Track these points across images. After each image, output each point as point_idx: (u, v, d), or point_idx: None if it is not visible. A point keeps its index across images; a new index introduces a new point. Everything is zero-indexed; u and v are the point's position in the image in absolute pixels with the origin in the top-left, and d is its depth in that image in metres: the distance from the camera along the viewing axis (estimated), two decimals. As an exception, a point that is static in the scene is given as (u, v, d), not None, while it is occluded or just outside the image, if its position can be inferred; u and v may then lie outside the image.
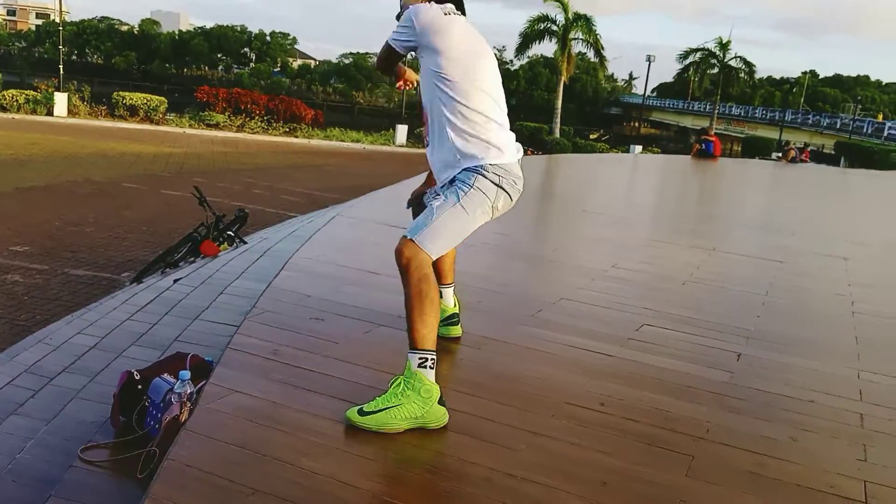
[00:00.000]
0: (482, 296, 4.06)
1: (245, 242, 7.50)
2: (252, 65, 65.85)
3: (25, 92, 24.33)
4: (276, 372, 2.97)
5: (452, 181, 2.54)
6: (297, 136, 26.24)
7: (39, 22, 78.62)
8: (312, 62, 76.87)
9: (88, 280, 7.42)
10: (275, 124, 26.44)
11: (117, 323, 4.68)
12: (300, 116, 27.36)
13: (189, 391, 2.60)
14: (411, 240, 2.45)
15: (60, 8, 27.94)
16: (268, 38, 66.27)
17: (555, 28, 34.22)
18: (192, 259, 7.03)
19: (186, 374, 2.64)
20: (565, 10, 33.32)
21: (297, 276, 4.43)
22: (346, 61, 68.99)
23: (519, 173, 2.59)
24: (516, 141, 2.67)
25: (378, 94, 61.93)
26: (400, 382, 2.42)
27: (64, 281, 7.30)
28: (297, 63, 71.76)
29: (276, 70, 66.26)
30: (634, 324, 3.75)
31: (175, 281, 5.63)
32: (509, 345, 3.37)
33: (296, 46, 71.26)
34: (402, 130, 27.93)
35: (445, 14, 2.52)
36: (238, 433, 2.41)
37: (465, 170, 2.51)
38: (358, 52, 69.71)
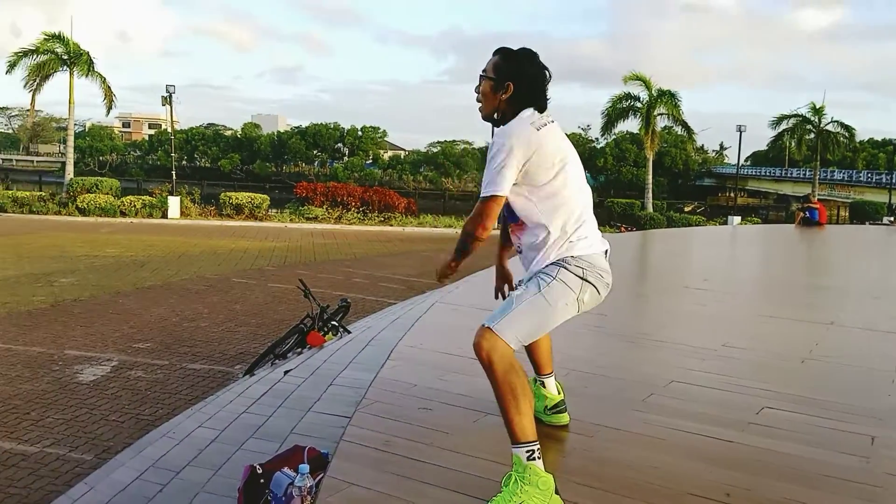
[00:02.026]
0: (588, 381, 4.00)
1: (349, 332, 7.70)
2: (346, 159, 68.94)
3: (142, 197, 26.31)
4: (389, 464, 3.00)
5: (536, 273, 2.55)
6: (391, 225, 27.05)
7: (152, 132, 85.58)
8: (402, 152, 79.75)
9: (205, 373, 7.76)
10: (370, 214, 27.39)
11: (234, 416, 4.86)
12: (394, 206, 28.25)
13: (309, 485, 2.67)
14: (489, 328, 2.43)
15: (171, 118, 30.38)
16: (359, 132, 69.46)
17: (638, 105, 34.34)
18: (300, 350, 7.26)
19: (306, 467, 2.72)
20: (648, 87, 33.43)
21: (403, 364, 4.50)
22: (435, 149, 71.26)
23: (606, 266, 2.57)
24: (604, 226, 2.68)
25: (467, 178, 63.34)
26: (514, 479, 2.37)
27: (182, 375, 7.67)
28: (387, 154, 74.63)
29: (368, 162, 69.08)
30: (753, 406, 3.59)
31: (285, 373, 5.83)
32: (622, 431, 3.29)
33: (385, 139, 74.30)
34: (492, 213, 28.45)
35: (538, 129, 2.50)
36: (358, 527, 2.44)
37: (549, 264, 2.52)
38: (445, 140, 72.06)
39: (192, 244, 19.36)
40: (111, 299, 11.56)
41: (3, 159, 74.20)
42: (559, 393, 3.27)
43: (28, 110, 79.02)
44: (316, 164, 70.67)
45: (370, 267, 16.39)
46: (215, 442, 4.40)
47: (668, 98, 33.46)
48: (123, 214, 24.85)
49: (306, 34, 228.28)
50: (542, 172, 2.50)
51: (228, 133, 74.73)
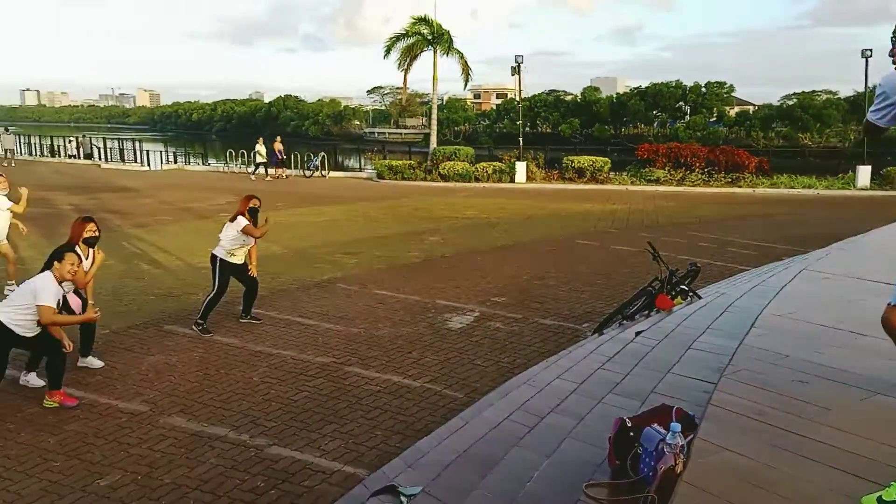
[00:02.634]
0: None
1: (699, 297, 7.47)
2: (687, 118, 65.80)
3: (492, 163, 28.25)
4: (763, 433, 2.90)
5: None
6: (740, 186, 25.28)
7: (499, 101, 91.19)
8: (750, 108, 73.50)
9: (555, 329, 8.19)
10: (716, 175, 25.90)
11: (591, 371, 5.07)
12: (743, 165, 26.33)
13: (680, 443, 2.70)
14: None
15: (519, 88, 31.90)
16: (703, 89, 65.64)
17: None
18: (647, 312, 7.26)
19: (677, 426, 2.75)
20: None
21: (770, 333, 4.26)
22: (790, 102, 64.32)
23: None
24: None
25: (829, 134, 56.19)
26: None
27: (535, 329, 8.20)
28: (733, 111, 69.42)
29: (711, 120, 65.08)
30: None
31: (637, 334, 5.89)
32: None
33: (732, 94, 69.10)
34: (863, 172, 24.81)
35: None
36: (734, 492, 2.41)
37: None
38: (802, 92, 64.53)
39: (537, 207, 20.34)
40: (470, 257, 12.73)
41: (377, 132, 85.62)
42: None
43: (398, 88, 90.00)
44: (655, 124, 68.73)
45: (717, 230, 15.57)
46: (575, 394, 4.65)
47: None
48: (477, 180, 27.00)
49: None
50: None
51: (568, 98, 76.26)
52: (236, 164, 32.59)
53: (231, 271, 8.09)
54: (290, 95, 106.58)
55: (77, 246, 6.70)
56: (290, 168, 30.48)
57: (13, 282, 9.19)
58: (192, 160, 37.67)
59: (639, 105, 66.16)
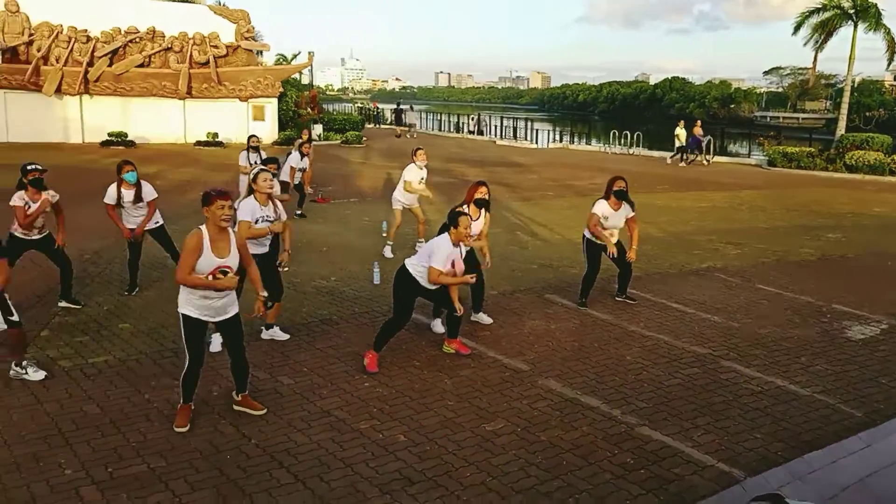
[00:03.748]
0: None
1: None
2: None
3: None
4: None
5: None
6: None
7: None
8: None
9: None
10: None
11: None
12: None
13: None
14: None
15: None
16: None
17: None
18: None
19: None
20: None
21: None
22: None
23: None
24: None
25: None
26: None
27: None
28: None
29: None
30: None
31: None
32: None
33: None
34: None
35: None
36: None
37: None
38: None
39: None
40: (878, 260, 11.06)
41: (770, 116, 78.78)
42: None
43: (801, 69, 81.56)
44: None
45: None
46: None
47: None
48: (892, 173, 23.24)
49: None
50: None
51: None
52: (617, 146, 32.88)
53: (596, 250, 8.13)
54: (677, 77, 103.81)
55: (468, 206, 7.28)
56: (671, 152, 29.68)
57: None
58: (575, 140, 39.08)
59: None
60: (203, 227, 4.92)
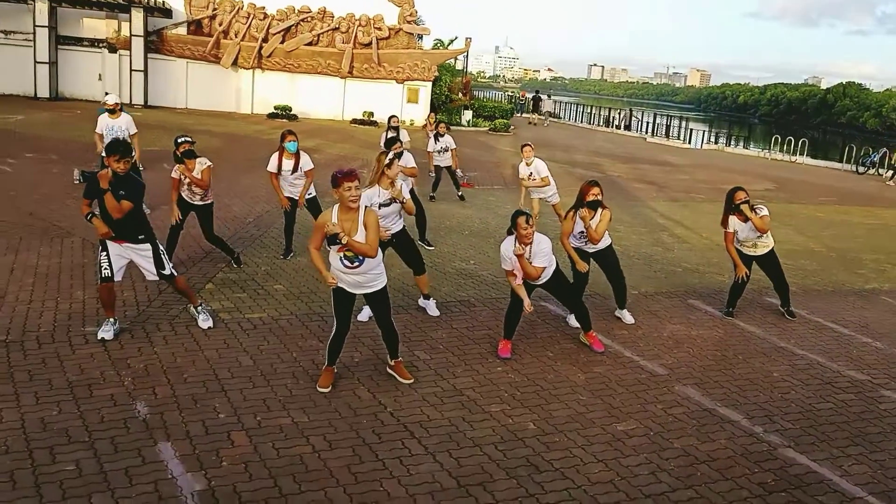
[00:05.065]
0: None
1: None
2: None
3: None
4: None
5: None
6: None
7: None
8: None
9: None
10: None
11: None
12: None
13: None
14: None
15: None
16: None
17: None
18: None
19: None
20: None
21: None
22: None
23: None
24: None
25: None
26: None
27: None
28: None
29: None
30: None
31: None
32: None
33: None
34: None
35: None
36: None
37: None
38: None
39: None
40: None
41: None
42: None
43: None
44: None
45: None
46: None
47: None
48: None
49: None
50: None
51: None
52: (779, 152, 30.87)
53: (747, 261, 7.73)
54: (852, 83, 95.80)
55: (582, 207, 7.12)
56: (840, 162, 27.49)
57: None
58: (731, 142, 37.09)
59: None
60: (334, 207, 5.19)
